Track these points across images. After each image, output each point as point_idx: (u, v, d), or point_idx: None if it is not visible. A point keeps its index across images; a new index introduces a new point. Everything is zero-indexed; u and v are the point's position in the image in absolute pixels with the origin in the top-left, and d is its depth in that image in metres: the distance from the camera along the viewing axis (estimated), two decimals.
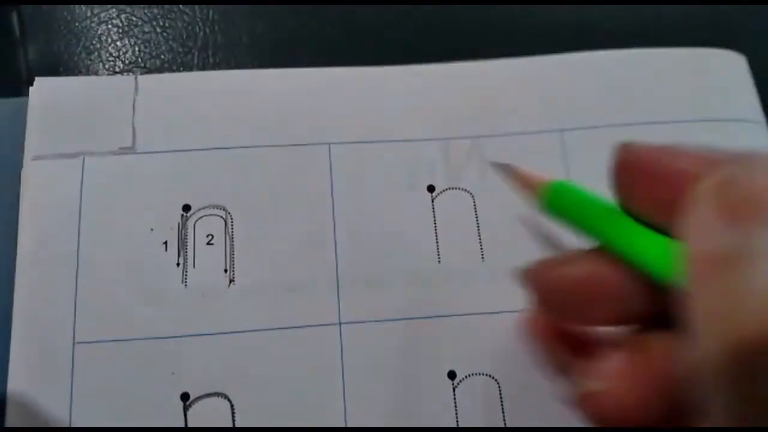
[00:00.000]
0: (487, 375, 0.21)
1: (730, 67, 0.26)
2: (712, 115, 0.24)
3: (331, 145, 0.23)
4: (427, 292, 0.22)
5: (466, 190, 0.23)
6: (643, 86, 0.25)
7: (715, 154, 0.14)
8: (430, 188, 0.23)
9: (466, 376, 0.21)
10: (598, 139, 0.24)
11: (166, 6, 0.26)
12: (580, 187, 0.18)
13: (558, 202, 0.18)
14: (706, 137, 0.24)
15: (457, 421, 0.20)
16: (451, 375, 0.21)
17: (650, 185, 0.14)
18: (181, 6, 0.26)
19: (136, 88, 0.23)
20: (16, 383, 0.20)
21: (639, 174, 0.14)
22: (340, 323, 0.21)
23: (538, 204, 0.19)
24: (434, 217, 0.23)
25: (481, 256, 0.22)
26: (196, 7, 0.26)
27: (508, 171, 0.21)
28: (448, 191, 0.23)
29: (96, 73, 0.25)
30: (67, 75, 0.25)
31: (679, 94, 0.25)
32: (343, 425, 0.20)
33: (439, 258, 0.22)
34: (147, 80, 0.23)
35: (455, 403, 0.21)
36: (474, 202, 0.23)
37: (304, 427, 0.20)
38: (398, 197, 0.23)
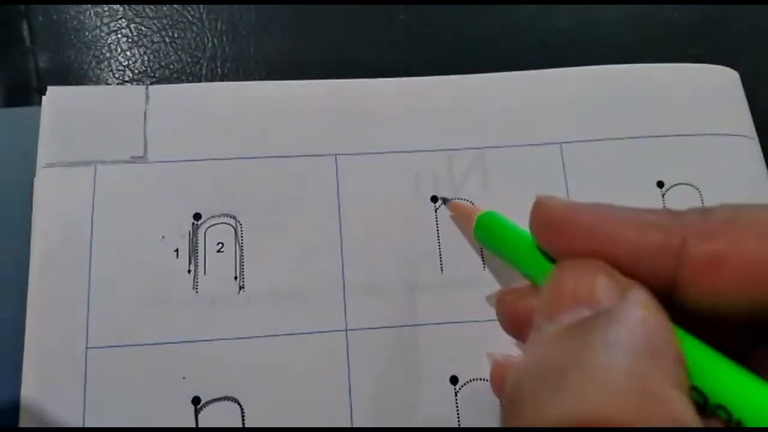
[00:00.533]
0: (488, 380, 0.22)
1: (723, 83, 0.26)
2: (706, 130, 0.25)
3: (338, 156, 0.24)
4: (430, 300, 0.23)
5: (468, 200, 0.24)
6: (640, 101, 0.26)
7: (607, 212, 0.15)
8: (434, 199, 0.24)
9: (467, 381, 0.22)
10: (597, 152, 0.25)
11: (176, 17, 0.27)
12: (503, 219, 0.20)
13: (484, 232, 0.20)
14: (700, 151, 0.25)
15: (459, 424, 0.21)
16: (453, 380, 0.22)
17: (556, 234, 0.16)
18: (189, 17, 0.27)
19: (147, 98, 0.24)
20: (29, 388, 0.20)
21: (546, 224, 0.16)
22: (347, 330, 0.22)
23: (474, 236, 0.21)
24: (437, 226, 0.23)
25: (482, 265, 0.23)
26: (205, 17, 0.27)
27: (450, 206, 0.23)
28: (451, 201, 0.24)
29: (105, 82, 0.26)
30: (76, 84, 0.26)
31: (674, 109, 0.26)
32: (349, 426, 0.21)
33: (442, 267, 0.23)
34: (158, 90, 0.24)
35: (457, 407, 0.21)
36: None
37: (305, 428, 0.21)
38: (403, 207, 0.23)
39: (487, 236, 0.20)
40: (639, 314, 0.13)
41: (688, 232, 0.14)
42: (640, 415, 0.11)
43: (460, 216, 0.23)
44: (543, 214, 0.16)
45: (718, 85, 0.27)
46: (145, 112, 0.24)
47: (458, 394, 0.22)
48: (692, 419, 0.11)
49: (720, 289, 0.13)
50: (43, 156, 0.23)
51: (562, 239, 0.15)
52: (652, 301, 0.13)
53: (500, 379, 0.20)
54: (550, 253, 0.16)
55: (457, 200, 0.23)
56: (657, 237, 0.14)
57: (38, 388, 0.20)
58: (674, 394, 0.12)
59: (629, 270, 0.14)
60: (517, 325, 0.19)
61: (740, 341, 0.14)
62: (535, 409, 0.12)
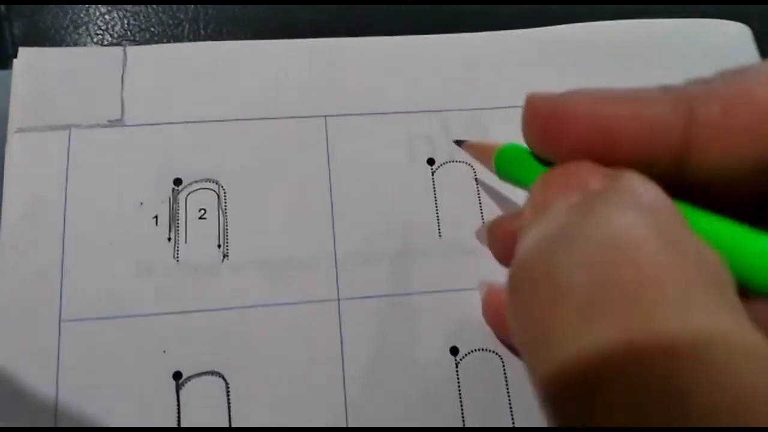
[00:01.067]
0: (490, 351, 0.20)
1: (733, 38, 0.25)
2: None
3: (328, 118, 0.22)
4: (428, 267, 0.21)
5: (466, 162, 0.22)
6: (641, 58, 0.24)
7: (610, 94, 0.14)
8: (430, 161, 0.22)
9: (468, 352, 0.20)
10: None
11: None
12: (525, 149, 0.17)
13: (507, 165, 0.18)
14: None
15: (460, 398, 0.20)
16: (454, 351, 0.20)
17: (553, 135, 0.14)
18: None
19: (125, 59, 0.22)
20: (0, 364, 0.19)
21: (541, 125, 0.14)
22: (339, 299, 0.21)
23: (495, 171, 0.19)
24: (434, 190, 0.22)
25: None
26: None
27: (465, 147, 0.21)
28: (449, 164, 0.22)
29: (84, 46, 0.24)
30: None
31: (679, 67, 0.24)
32: (342, 405, 0.19)
33: (439, 232, 0.22)
34: (136, 51, 0.23)
35: (458, 379, 0.20)
36: (475, 174, 0.22)
37: (304, 428, 0.19)
38: (397, 170, 0.22)
39: (510, 169, 0.18)
40: (630, 184, 0.12)
41: (694, 98, 0.13)
42: (659, 247, 0.10)
43: (479, 154, 0.20)
44: (535, 114, 0.14)
45: (727, 41, 0.25)
46: (122, 74, 0.22)
47: (459, 365, 0.20)
48: (708, 252, 0.11)
49: (735, 146, 0.12)
50: (14, 121, 0.22)
51: (557, 136, 0.14)
52: (646, 179, 0.12)
53: (494, 308, 0.18)
54: (545, 155, 0.15)
55: (470, 141, 0.21)
56: (667, 108, 0.13)
57: (9, 363, 0.19)
58: (692, 241, 0.11)
59: (637, 153, 0.13)
60: (509, 250, 0.17)
61: (751, 216, 0.13)
62: (546, 277, 0.11)
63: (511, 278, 0.12)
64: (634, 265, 0.10)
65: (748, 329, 0.10)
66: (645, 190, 0.12)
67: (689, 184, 0.13)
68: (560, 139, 0.14)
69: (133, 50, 0.23)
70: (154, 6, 0.25)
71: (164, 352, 0.20)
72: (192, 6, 0.25)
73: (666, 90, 0.13)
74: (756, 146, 0.12)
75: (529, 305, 0.11)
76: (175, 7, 0.25)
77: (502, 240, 0.18)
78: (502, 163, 0.18)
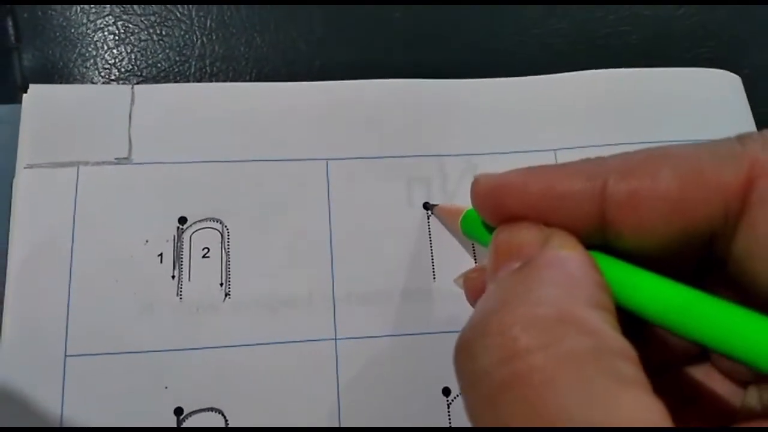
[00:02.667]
0: None
1: (725, 87, 0.26)
2: (707, 135, 0.24)
3: (329, 161, 0.23)
4: (422, 309, 0.22)
5: None
6: (638, 105, 0.25)
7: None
8: (426, 205, 0.23)
9: (460, 393, 0.21)
10: None
11: (164, 14, 0.26)
12: None
13: (469, 227, 0.20)
14: None
15: None
16: (446, 392, 0.21)
17: (494, 205, 0.16)
18: (178, 14, 0.26)
19: (133, 98, 0.23)
20: (4, 397, 0.20)
21: (484, 198, 0.16)
22: (336, 338, 0.21)
23: (462, 231, 0.21)
24: (430, 233, 0.23)
25: (473, 256, 0.22)
26: (194, 15, 0.26)
27: (435, 211, 0.23)
28: None
29: (91, 81, 0.25)
30: (62, 82, 0.25)
31: (672, 114, 0.25)
32: None
33: (434, 275, 0.22)
34: (144, 90, 0.23)
35: (449, 419, 0.21)
36: None
37: (304, 428, 0.20)
38: (395, 213, 0.23)
39: (472, 231, 0.20)
40: (556, 254, 0.14)
41: (609, 174, 0.14)
42: (554, 335, 0.12)
43: (447, 217, 0.22)
44: (480, 189, 0.16)
45: (719, 89, 0.26)
46: (130, 113, 0.23)
47: (451, 406, 0.21)
48: (607, 332, 0.12)
49: (643, 225, 0.14)
50: (23, 156, 0.22)
51: (498, 207, 0.16)
52: (572, 239, 0.14)
53: (476, 291, 0.19)
54: (493, 223, 0.17)
55: (441, 204, 0.23)
56: (581, 183, 0.14)
57: (14, 398, 0.20)
58: (590, 312, 0.12)
59: (561, 219, 0.15)
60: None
61: (687, 276, 0.14)
62: (468, 361, 0.13)
63: (454, 349, 0.13)
64: (529, 368, 0.11)
65: (642, 406, 0.11)
66: (565, 260, 0.13)
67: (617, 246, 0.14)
68: (499, 212, 0.16)
69: (141, 89, 0.23)
70: (162, 42, 0.25)
71: (166, 388, 0.20)
72: (199, 43, 0.25)
73: (585, 164, 0.15)
74: (662, 227, 0.13)
75: (459, 377, 0.13)
76: (182, 43, 0.26)
77: (473, 294, 0.19)
78: (467, 226, 0.20)
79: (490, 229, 0.17)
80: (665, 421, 0.10)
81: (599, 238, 0.15)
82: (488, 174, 0.16)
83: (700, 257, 0.14)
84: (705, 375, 0.16)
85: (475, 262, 0.23)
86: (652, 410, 0.11)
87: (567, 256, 0.14)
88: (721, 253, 0.14)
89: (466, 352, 0.13)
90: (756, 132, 0.14)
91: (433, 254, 0.23)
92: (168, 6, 0.26)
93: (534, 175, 0.15)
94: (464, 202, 0.23)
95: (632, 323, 0.13)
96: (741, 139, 0.14)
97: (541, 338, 0.12)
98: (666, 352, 0.16)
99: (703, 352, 0.16)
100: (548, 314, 0.12)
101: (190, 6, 0.26)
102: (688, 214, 0.13)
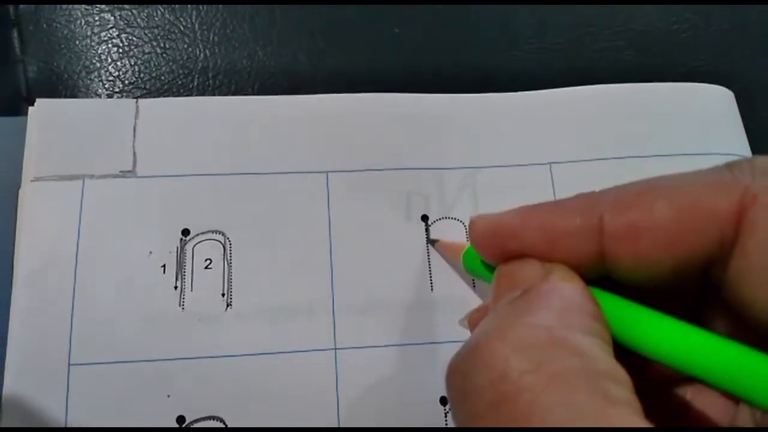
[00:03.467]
0: None
1: (718, 102, 0.26)
2: (700, 150, 0.25)
3: (329, 174, 0.24)
4: (420, 319, 0.22)
5: (458, 219, 0.24)
6: (631, 120, 0.26)
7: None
8: (424, 218, 0.24)
9: (451, 411, 0.21)
10: (586, 172, 0.24)
11: (167, 27, 0.26)
12: None
13: (470, 263, 0.20)
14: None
15: None
16: (443, 401, 0.22)
17: (492, 245, 0.17)
18: (182, 27, 0.26)
19: (137, 112, 0.24)
20: (9, 405, 0.20)
21: (482, 238, 0.17)
22: (336, 348, 0.22)
23: (464, 268, 0.21)
24: (427, 245, 0.23)
25: (472, 285, 0.23)
26: (197, 28, 0.26)
27: (437, 246, 0.23)
28: (442, 221, 0.24)
29: (95, 93, 0.25)
30: (66, 94, 0.25)
31: (666, 128, 0.26)
32: None
33: (432, 286, 0.23)
34: (148, 104, 0.24)
35: (446, 427, 0.21)
36: (466, 231, 0.24)
37: (303, 427, 0.21)
38: (393, 226, 0.23)
39: (473, 267, 0.20)
40: (556, 284, 0.14)
41: (604, 209, 0.14)
42: (544, 357, 0.12)
43: (448, 253, 0.23)
44: (478, 231, 0.17)
45: (712, 104, 0.26)
46: (134, 126, 0.23)
47: (448, 415, 0.21)
48: (598, 355, 0.12)
49: (641, 256, 0.14)
50: (29, 169, 0.23)
51: (498, 248, 0.16)
52: (572, 274, 0.15)
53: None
54: (493, 262, 0.17)
55: (442, 240, 0.23)
56: (577, 220, 0.15)
57: (19, 405, 0.20)
58: (582, 338, 0.13)
59: (560, 255, 0.15)
60: None
61: (687, 303, 0.15)
62: (460, 381, 0.13)
63: (447, 371, 0.14)
64: (517, 389, 0.12)
65: (630, 423, 0.11)
66: (561, 289, 0.14)
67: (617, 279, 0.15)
68: (498, 253, 0.16)
69: (145, 103, 0.24)
70: (165, 55, 0.26)
71: (168, 396, 0.21)
72: (202, 56, 0.26)
73: (580, 199, 0.15)
74: (659, 257, 0.14)
75: (450, 396, 0.14)
76: (185, 56, 0.26)
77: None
78: (468, 262, 0.20)
79: (491, 266, 0.17)
80: None
81: (598, 271, 0.15)
82: (485, 215, 0.17)
83: (696, 284, 0.15)
84: (698, 391, 0.16)
85: (473, 279, 0.23)
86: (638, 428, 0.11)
87: (563, 286, 0.14)
88: (715, 280, 0.14)
89: (459, 373, 0.13)
90: (745, 159, 0.14)
91: (431, 266, 0.23)
92: (171, 18, 0.26)
93: (530, 214, 0.16)
94: (462, 215, 0.24)
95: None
96: (731, 167, 0.14)
97: (531, 360, 0.12)
98: (663, 370, 0.17)
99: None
100: (540, 337, 0.13)
101: (193, 19, 0.26)
102: (684, 243, 0.14)
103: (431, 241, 0.23)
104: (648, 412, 0.11)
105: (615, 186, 0.15)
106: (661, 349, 0.13)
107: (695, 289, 0.15)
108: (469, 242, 0.20)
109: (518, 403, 0.12)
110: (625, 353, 0.13)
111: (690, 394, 0.16)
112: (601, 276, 0.15)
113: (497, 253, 0.17)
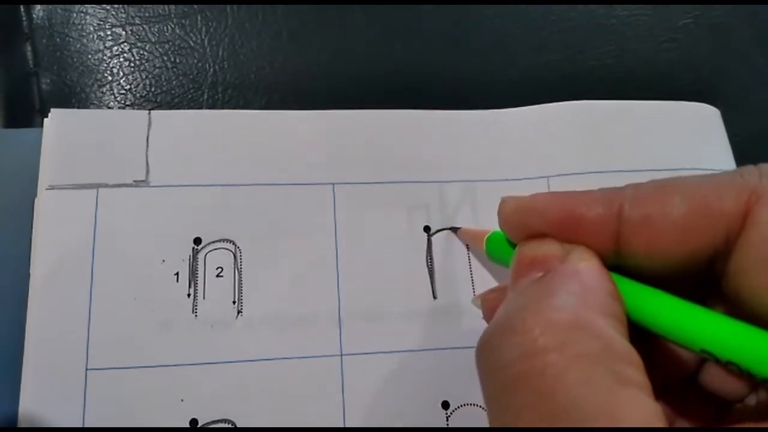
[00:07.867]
0: (478, 406, 0.22)
1: (705, 119, 0.28)
2: (687, 165, 0.27)
3: (336, 185, 0.25)
4: (423, 326, 0.23)
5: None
6: (623, 136, 0.27)
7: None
8: (426, 228, 0.25)
9: (458, 407, 0.22)
10: (582, 185, 0.25)
11: (178, 42, 0.27)
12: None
13: (494, 248, 0.21)
14: None
15: None
16: (445, 405, 0.22)
17: (521, 224, 0.18)
18: (192, 43, 0.27)
19: (150, 123, 0.24)
20: (27, 410, 0.21)
21: (512, 217, 0.18)
22: (342, 354, 0.23)
23: (486, 252, 0.22)
24: (430, 255, 0.24)
25: (473, 292, 0.24)
26: (207, 44, 0.27)
27: (460, 233, 0.24)
28: (443, 231, 0.25)
29: (107, 106, 0.26)
30: (79, 106, 0.26)
31: (656, 144, 0.27)
32: None
33: (434, 294, 0.24)
34: (160, 116, 0.25)
35: (447, 428, 0.22)
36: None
37: (303, 427, 0.21)
38: (397, 236, 0.24)
39: (497, 252, 0.21)
40: (576, 265, 0.15)
41: (624, 201, 0.16)
42: (568, 338, 0.13)
43: (470, 239, 0.24)
44: (508, 208, 0.18)
45: (699, 121, 0.28)
46: (147, 137, 0.24)
47: (449, 419, 0.22)
48: (615, 338, 0.14)
49: (654, 246, 0.15)
50: (44, 178, 0.23)
51: (523, 225, 0.18)
52: (590, 254, 0.16)
53: (493, 310, 0.21)
54: (516, 240, 0.18)
55: (465, 227, 0.24)
56: (600, 208, 0.16)
57: (37, 410, 0.21)
58: (601, 320, 0.14)
59: (580, 238, 0.16)
60: None
61: (688, 296, 0.16)
62: (490, 355, 0.14)
63: (478, 345, 0.15)
64: (544, 364, 0.13)
65: (639, 404, 0.12)
66: (582, 272, 0.15)
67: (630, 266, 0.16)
68: (523, 230, 0.18)
69: (157, 114, 0.24)
70: (176, 69, 0.27)
71: (182, 400, 0.21)
72: (211, 71, 0.27)
73: (603, 191, 0.17)
74: (671, 248, 0.15)
75: (480, 368, 0.15)
76: (195, 71, 0.27)
77: (491, 313, 0.20)
78: (491, 247, 0.21)
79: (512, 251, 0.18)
80: (659, 420, 0.12)
81: (613, 259, 0.16)
82: (514, 196, 0.18)
83: (699, 277, 0.16)
84: (693, 398, 0.18)
85: (473, 285, 0.24)
86: (647, 408, 0.12)
87: (584, 268, 0.15)
88: (718, 272, 0.16)
89: (488, 347, 0.15)
90: (753, 166, 0.16)
91: (434, 275, 0.24)
92: (181, 34, 0.27)
93: (557, 198, 0.17)
94: (462, 225, 0.25)
95: (640, 340, 0.15)
96: (741, 171, 0.15)
97: (556, 340, 0.13)
98: (666, 369, 0.18)
99: (694, 373, 0.18)
100: (564, 319, 0.14)
101: (203, 35, 0.27)
102: (694, 236, 0.15)
103: (454, 229, 0.24)
104: (657, 395, 0.13)
105: (633, 183, 0.16)
106: (672, 325, 0.14)
107: (697, 281, 0.16)
108: (491, 229, 0.21)
109: (543, 377, 0.13)
110: (637, 337, 0.15)
111: (686, 398, 0.17)
112: (613, 265, 0.16)
113: (522, 231, 0.18)
